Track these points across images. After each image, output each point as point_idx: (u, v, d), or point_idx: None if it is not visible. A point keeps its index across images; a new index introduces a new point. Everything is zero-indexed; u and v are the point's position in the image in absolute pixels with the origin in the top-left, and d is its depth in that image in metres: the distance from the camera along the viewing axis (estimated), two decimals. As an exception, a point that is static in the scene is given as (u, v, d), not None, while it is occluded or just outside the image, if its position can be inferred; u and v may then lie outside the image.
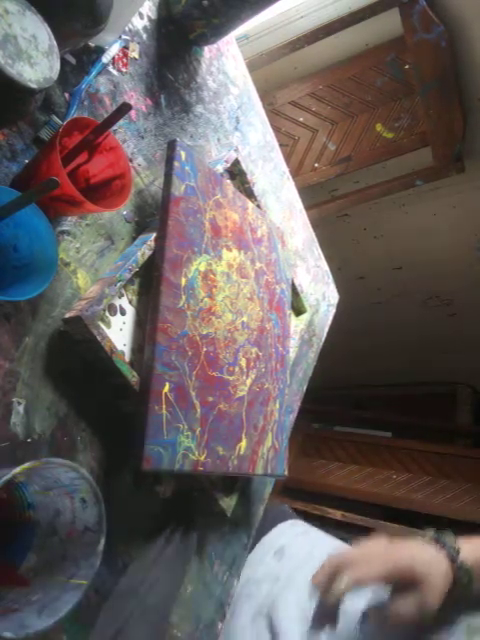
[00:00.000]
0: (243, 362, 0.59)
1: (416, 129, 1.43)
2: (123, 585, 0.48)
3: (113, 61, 0.54)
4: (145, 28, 0.58)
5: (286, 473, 0.66)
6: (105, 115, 0.51)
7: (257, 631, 0.66)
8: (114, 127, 0.45)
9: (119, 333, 0.49)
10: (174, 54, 0.62)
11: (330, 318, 1.01)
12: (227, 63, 0.72)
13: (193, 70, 0.65)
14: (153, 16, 0.59)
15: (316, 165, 1.56)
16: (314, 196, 1.63)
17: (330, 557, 0.53)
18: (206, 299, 0.54)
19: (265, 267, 0.66)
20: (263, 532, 0.79)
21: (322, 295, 0.97)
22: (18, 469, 0.32)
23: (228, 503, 0.60)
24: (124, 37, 0.55)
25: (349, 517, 1.70)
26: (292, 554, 0.75)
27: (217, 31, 0.63)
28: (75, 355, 0.46)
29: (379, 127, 1.46)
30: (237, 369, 0.58)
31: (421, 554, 0.53)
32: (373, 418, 2.19)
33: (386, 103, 1.43)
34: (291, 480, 1.64)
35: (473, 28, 1.29)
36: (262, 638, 0.65)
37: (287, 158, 1.51)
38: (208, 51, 0.68)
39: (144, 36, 0.58)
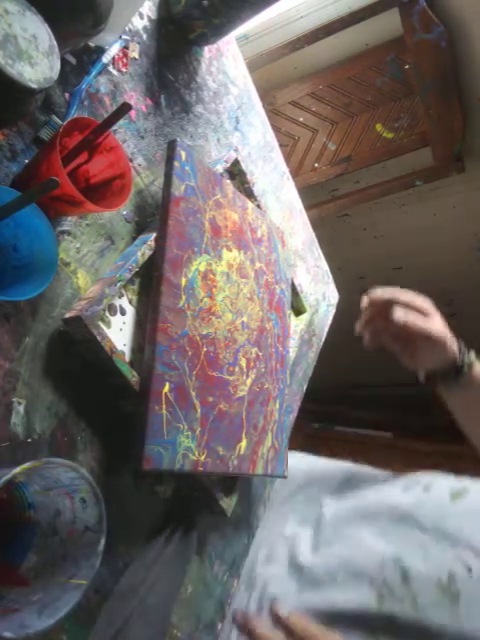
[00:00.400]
0: (243, 362, 0.59)
1: (416, 129, 1.43)
2: (123, 585, 0.48)
3: (113, 61, 0.54)
4: (145, 28, 0.58)
5: (286, 473, 0.66)
6: (105, 115, 0.51)
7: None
8: (114, 127, 0.45)
9: (119, 333, 0.49)
10: (174, 54, 0.62)
11: (330, 318, 1.01)
12: (227, 63, 0.72)
13: (193, 70, 0.65)
14: (153, 16, 0.59)
15: (316, 165, 1.56)
16: (314, 196, 1.63)
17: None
18: (206, 299, 0.54)
19: (265, 267, 0.66)
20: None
21: (322, 295, 0.97)
22: (18, 469, 0.32)
23: (228, 503, 0.60)
24: (124, 37, 0.55)
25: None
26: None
27: (217, 31, 0.63)
28: (75, 355, 0.46)
29: (379, 127, 1.46)
30: (237, 369, 0.58)
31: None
32: (373, 418, 2.19)
33: (386, 103, 1.43)
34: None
35: (473, 28, 1.29)
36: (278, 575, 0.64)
37: (287, 158, 1.51)
38: (208, 51, 0.68)
39: (144, 36, 0.58)
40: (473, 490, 0.58)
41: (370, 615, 0.52)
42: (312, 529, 0.66)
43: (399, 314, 0.60)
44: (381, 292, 0.64)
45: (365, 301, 0.65)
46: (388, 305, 0.62)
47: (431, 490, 0.61)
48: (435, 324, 0.62)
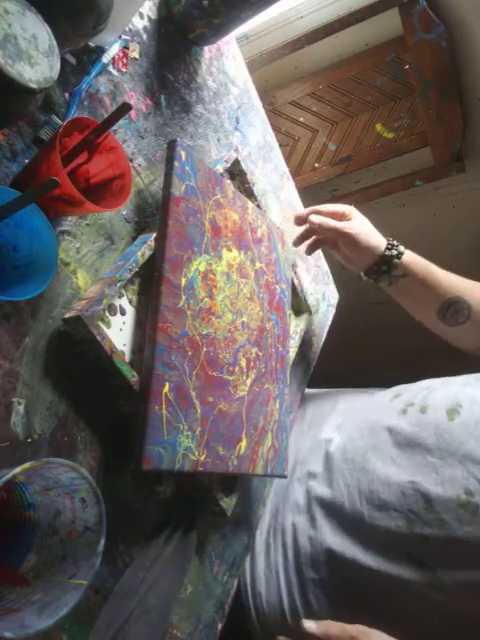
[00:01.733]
0: (243, 362, 0.59)
1: (416, 129, 1.43)
2: (123, 585, 0.48)
3: (113, 61, 0.54)
4: (145, 28, 0.58)
5: (286, 473, 0.66)
6: (105, 115, 0.51)
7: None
8: (114, 127, 0.45)
9: (119, 333, 0.49)
10: (174, 54, 0.62)
11: (330, 318, 1.01)
12: (227, 63, 0.72)
13: (193, 70, 0.65)
14: (153, 16, 0.59)
15: (316, 165, 1.56)
16: (314, 196, 1.63)
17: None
18: (206, 299, 0.54)
19: (265, 267, 0.66)
20: None
21: (322, 295, 0.97)
22: (18, 469, 0.32)
23: (228, 503, 0.60)
24: (124, 37, 0.55)
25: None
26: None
27: (217, 31, 0.63)
28: (75, 355, 0.46)
29: (379, 127, 1.46)
30: (237, 369, 0.58)
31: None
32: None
33: (386, 103, 1.43)
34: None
35: (473, 28, 1.29)
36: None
37: (287, 158, 1.51)
38: (208, 51, 0.68)
39: (144, 36, 0.58)
40: (465, 403, 0.61)
41: (400, 534, 0.57)
42: (322, 468, 0.70)
43: (313, 218, 0.71)
44: (304, 210, 0.76)
45: (295, 220, 0.76)
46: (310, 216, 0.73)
47: (428, 411, 0.64)
48: (352, 224, 0.71)
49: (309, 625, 0.51)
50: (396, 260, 0.72)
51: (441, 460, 0.58)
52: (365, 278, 0.76)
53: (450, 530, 0.54)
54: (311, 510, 0.67)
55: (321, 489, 0.67)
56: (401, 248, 0.73)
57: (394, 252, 0.72)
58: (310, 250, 0.80)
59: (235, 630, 0.64)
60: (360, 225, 0.72)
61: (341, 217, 0.73)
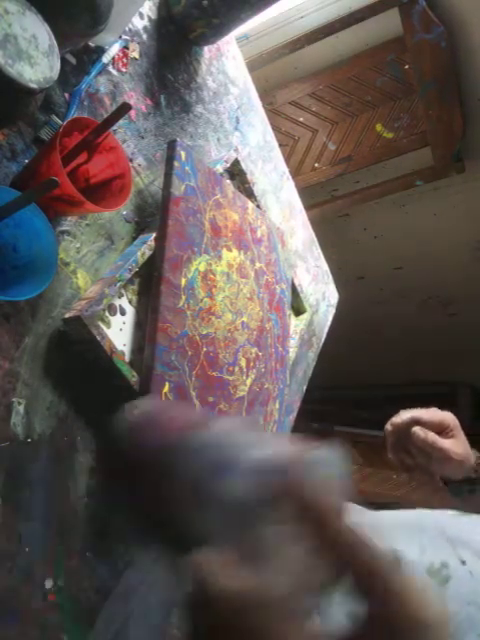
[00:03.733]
0: (243, 362, 0.59)
1: (416, 129, 1.43)
2: (123, 585, 0.48)
3: (113, 61, 0.54)
4: (145, 28, 0.58)
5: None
6: (105, 115, 0.51)
7: None
8: (114, 127, 0.45)
9: (119, 333, 0.49)
10: (174, 54, 0.62)
11: (330, 318, 1.01)
12: (227, 63, 0.72)
13: (193, 70, 0.65)
14: (153, 16, 0.59)
15: (316, 165, 1.56)
16: (314, 196, 1.63)
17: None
18: (206, 299, 0.54)
19: (265, 267, 0.66)
20: None
21: (322, 295, 0.97)
22: None
23: (228, 503, 0.60)
24: (124, 37, 0.55)
25: (349, 517, 1.70)
26: None
27: (217, 31, 0.63)
28: (75, 355, 0.46)
29: (379, 127, 1.46)
30: (237, 369, 0.58)
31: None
32: (373, 418, 2.19)
33: (386, 103, 1.43)
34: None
35: (473, 28, 1.29)
36: None
37: (287, 158, 1.51)
38: (208, 51, 0.68)
39: (144, 36, 0.58)
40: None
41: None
42: None
43: (419, 434, 0.64)
44: (403, 414, 0.68)
45: (388, 426, 0.69)
46: (411, 425, 0.66)
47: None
48: (454, 442, 0.66)
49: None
50: None
51: (431, 537, 0.56)
52: (443, 485, 0.70)
53: None
54: None
55: None
56: None
57: None
58: (405, 469, 0.70)
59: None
60: (464, 447, 0.66)
61: (443, 430, 0.66)
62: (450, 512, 0.60)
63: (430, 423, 0.66)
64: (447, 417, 0.67)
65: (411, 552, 0.54)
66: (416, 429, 0.65)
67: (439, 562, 0.51)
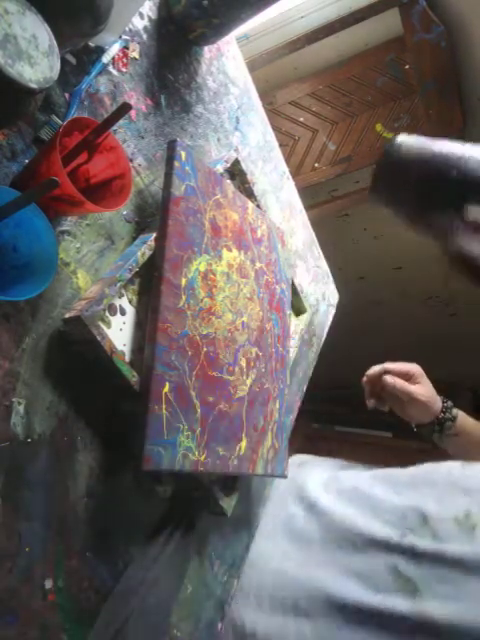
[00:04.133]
0: (243, 362, 0.59)
1: (416, 129, 1.43)
2: (123, 585, 0.48)
3: (113, 61, 0.54)
4: (145, 28, 0.58)
5: (286, 473, 0.66)
6: (105, 115, 0.51)
7: (290, 514, 0.71)
8: (114, 127, 0.45)
9: (119, 333, 0.49)
10: (174, 54, 0.62)
11: (330, 318, 1.01)
12: (227, 63, 0.72)
13: (193, 70, 0.65)
14: (153, 16, 0.59)
15: (316, 165, 1.56)
16: (314, 196, 1.63)
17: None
18: (206, 299, 0.54)
19: (265, 267, 0.66)
20: None
21: (322, 295, 0.97)
22: None
23: (228, 503, 0.60)
24: (124, 37, 0.55)
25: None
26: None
27: (217, 31, 0.63)
28: (75, 355, 0.46)
29: (379, 127, 1.46)
30: (237, 369, 0.58)
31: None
32: (373, 418, 2.19)
33: (386, 103, 1.43)
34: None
35: (473, 28, 1.29)
36: (297, 517, 0.69)
37: (287, 158, 1.51)
38: (208, 51, 0.68)
39: (144, 36, 0.58)
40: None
41: (391, 544, 0.57)
42: (326, 483, 0.72)
43: (388, 379, 0.77)
44: (375, 367, 0.81)
45: (364, 378, 0.81)
46: (382, 374, 0.78)
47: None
48: (420, 387, 0.77)
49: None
50: (449, 423, 0.77)
51: (445, 491, 0.60)
52: (416, 430, 0.81)
53: (439, 544, 0.54)
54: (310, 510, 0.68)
55: (323, 499, 0.69)
56: (454, 411, 0.78)
57: (448, 416, 0.77)
58: (379, 406, 0.82)
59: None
60: (428, 391, 0.77)
61: (410, 378, 0.78)
62: (455, 464, 0.64)
63: (398, 371, 0.78)
64: (413, 367, 0.79)
65: (430, 507, 0.58)
66: (386, 377, 0.77)
67: (462, 512, 0.55)
